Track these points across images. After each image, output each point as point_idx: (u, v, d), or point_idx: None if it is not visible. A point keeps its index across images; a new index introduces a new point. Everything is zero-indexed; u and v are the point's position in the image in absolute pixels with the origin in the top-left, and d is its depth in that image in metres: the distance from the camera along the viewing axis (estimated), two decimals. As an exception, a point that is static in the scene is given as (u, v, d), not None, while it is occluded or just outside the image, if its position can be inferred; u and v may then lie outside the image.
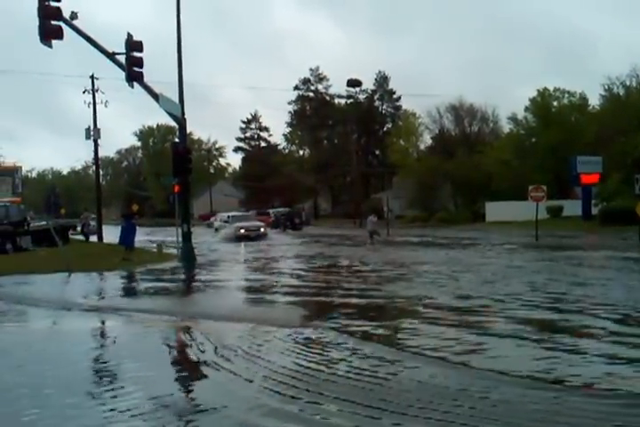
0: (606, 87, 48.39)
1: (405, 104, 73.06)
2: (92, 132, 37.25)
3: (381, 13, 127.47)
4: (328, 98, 77.66)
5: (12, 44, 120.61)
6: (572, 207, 41.05)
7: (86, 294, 13.49)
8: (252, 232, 34.81)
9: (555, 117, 50.24)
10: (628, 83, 47.25)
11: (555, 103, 53.11)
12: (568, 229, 33.61)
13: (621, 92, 47.57)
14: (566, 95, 53.06)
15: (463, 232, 36.36)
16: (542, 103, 52.49)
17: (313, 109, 77.39)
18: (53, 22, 17.29)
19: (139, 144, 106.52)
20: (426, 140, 65.51)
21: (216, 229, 40.06)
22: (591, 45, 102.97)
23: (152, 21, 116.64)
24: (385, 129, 74.68)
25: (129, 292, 14.61)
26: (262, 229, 35.82)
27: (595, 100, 52.07)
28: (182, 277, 17.55)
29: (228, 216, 39.52)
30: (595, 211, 38.14)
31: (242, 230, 34.52)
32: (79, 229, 38.29)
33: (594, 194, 38.69)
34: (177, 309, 11.30)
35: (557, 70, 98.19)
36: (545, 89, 53.21)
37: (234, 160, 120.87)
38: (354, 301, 11.38)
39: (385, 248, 25.39)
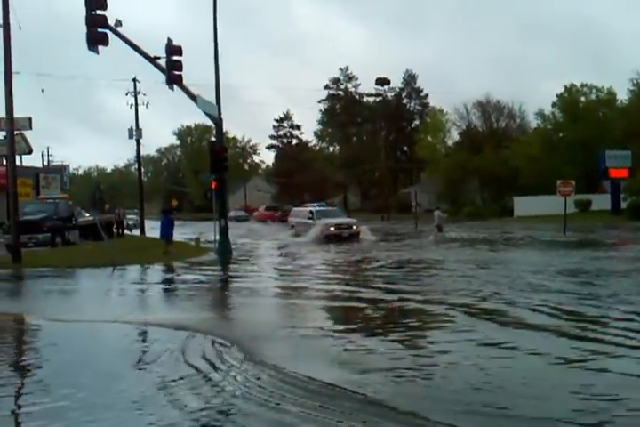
0: (635, 82, 47.16)
1: (433, 101, 72.20)
2: (134, 132, 37.74)
3: (408, 12, 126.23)
4: (357, 96, 77.44)
5: (59, 49, 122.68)
6: (601, 201, 40.06)
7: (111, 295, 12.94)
8: (344, 230, 27.23)
9: (582, 113, 49.18)
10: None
11: (582, 98, 51.94)
12: (598, 223, 32.75)
13: (649, 86, 46.27)
14: (594, 90, 51.88)
15: (496, 227, 34.97)
16: (570, 99, 51.42)
17: (343, 107, 77.21)
18: (100, 30, 17.37)
19: (178, 143, 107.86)
20: (453, 136, 64.76)
21: (292, 227, 32.34)
22: (618, 40, 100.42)
23: (180, 22, 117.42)
24: (413, 126, 73.96)
25: (159, 293, 13.44)
26: (355, 227, 27.98)
27: (623, 95, 50.80)
28: (213, 275, 16.45)
29: (311, 211, 30.72)
30: (623, 205, 37.17)
31: (331, 228, 27.17)
32: (127, 223, 38.88)
33: (622, 188, 37.72)
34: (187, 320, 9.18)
35: (584, 66, 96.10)
36: (572, 84, 52.13)
37: (267, 157, 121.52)
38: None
39: (453, 246, 22.66)
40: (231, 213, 65.64)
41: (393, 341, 7.20)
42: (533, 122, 58.45)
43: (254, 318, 9.39)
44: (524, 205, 45.48)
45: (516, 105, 60.50)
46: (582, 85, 52.10)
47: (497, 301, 9.98)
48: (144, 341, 8.21)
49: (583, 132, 45.85)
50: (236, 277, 15.81)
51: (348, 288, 12.32)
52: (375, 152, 65.26)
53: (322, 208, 33.01)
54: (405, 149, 75.03)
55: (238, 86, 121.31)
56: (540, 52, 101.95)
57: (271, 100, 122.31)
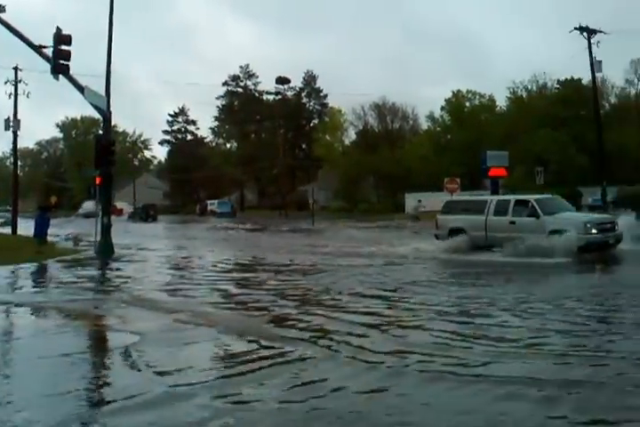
0: (511, 90, 52.30)
1: (332, 101, 75.16)
2: (11, 123, 36.32)
3: (308, 13, 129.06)
4: (257, 94, 78.78)
5: None
6: (484, 198, 43.97)
7: None
8: (610, 234, 15.86)
9: (467, 117, 53.66)
10: (529, 87, 51.49)
11: (467, 104, 56.66)
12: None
13: (524, 94, 51.66)
14: (477, 97, 56.87)
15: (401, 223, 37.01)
16: (456, 103, 55.95)
17: (241, 104, 78.21)
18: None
19: (61, 135, 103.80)
20: (350, 135, 67.97)
21: (453, 232, 17.81)
22: (496, 51, 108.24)
23: (69, 10, 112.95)
24: (312, 124, 76.43)
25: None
26: (618, 227, 16.40)
27: (502, 102, 56.20)
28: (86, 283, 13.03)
29: (530, 202, 16.67)
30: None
31: (593, 231, 15.48)
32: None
33: (501, 185, 41.64)
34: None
35: (470, 73, 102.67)
36: (459, 90, 56.80)
37: (160, 153, 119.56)
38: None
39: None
40: (80, 210, 60.65)
41: None
42: (424, 124, 62.80)
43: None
44: (414, 201, 48.64)
45: (409, 108, 64.54)
46: (467, 91, 57.02)
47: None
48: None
49: (468, 135, 50.14)
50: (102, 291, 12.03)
51: None
52: (273, 150, 66.83)
53: (542, 196, 17.88)
54: (304, 146, 77.23)
55: (131, 79, 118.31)
56: (430, 57, 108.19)
57: (166, 95, 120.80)
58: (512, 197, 17.56)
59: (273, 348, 6.58)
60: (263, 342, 6.80)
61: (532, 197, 17.12)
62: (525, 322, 7.62)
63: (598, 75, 33.26)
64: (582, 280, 11.89)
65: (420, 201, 39.77)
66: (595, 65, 30.60)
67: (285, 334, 7.27)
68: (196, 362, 6.05)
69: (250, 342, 6.92)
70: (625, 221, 17.13)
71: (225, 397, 4.94)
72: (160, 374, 5.59)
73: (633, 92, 57.71)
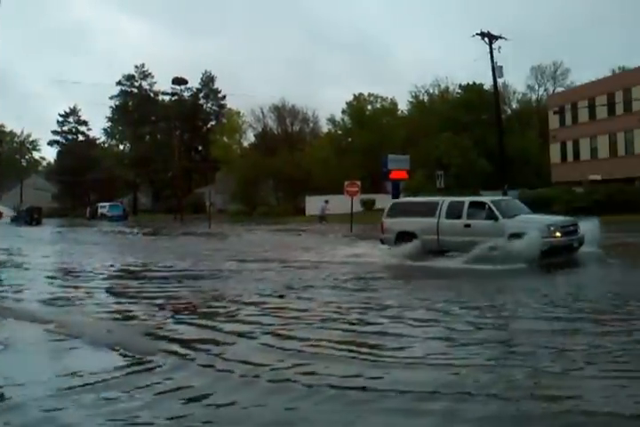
0: (413, 94, 53.12)
1: (230, 103, 73.85)
2: None
3: (206, 14, 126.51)
4: (152, 94, 76.35)
5: None
6: (384, 201, 44.07)
7: None
8: (573, 237, 14.80)
9: (368, 120, 53.97)
10: (431, 91, 52.43)
11: (369, 107, 57.07)
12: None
13: (426, 99, 52.51)
14: (379, 100, 57.42)
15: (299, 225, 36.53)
16: (357, 106, 56.22)
17: (135, 105, 75.60)
18: None
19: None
20: (249, 137, 66.85)
21: (406, 236, 16.06)
22: (402, 55, 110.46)
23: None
24: (209, 126, 74.80)
25: None
26: (580, 230, 15.26)
27: (404, 106, 57.11)
28: None
29: (486, 204, 15.44)
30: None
31: (557, 234, 14.44)
32: None
33: (402, 188, 42.07)
34: None
35: (372, 77, 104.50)
36: (360, 94, 57.21)
37: (49, 154, 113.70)
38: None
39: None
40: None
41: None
42: (325, 127, 62.85)
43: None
44: (315, 204, 48.28)
45: (309, 110, 64.44)
46: (369, 95, 57.53)
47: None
48: None
49: (369, 138, 50.40)
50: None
51: None
52: (168, 151, 64.46)
53: (498, 198, 17.90)
54: (200, 148, 75.45)
55: (20, 78, 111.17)
56: (331, 59, 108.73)
57: (57, 95, 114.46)
58: (466, 199, 16.07)
59: (133, 358, 6.33)
60: (125, 353, 6.56)
61: (487, 199, 16.11)
62: (409, 330, 7.25)
63: (500, 80, 34.26)
64: (517, 286, 11.16)
65: (327, 201, 39.18)
66: (496, 70, 31.32)
67: (152, 344, 6.96)
68: (54, 373, 5.86)
69: (113, 352, 6.64)
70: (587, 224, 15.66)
71: (72, 407, 4.79)
72: (15, 385, 5.33)
73: (534, 97, 60.68)
